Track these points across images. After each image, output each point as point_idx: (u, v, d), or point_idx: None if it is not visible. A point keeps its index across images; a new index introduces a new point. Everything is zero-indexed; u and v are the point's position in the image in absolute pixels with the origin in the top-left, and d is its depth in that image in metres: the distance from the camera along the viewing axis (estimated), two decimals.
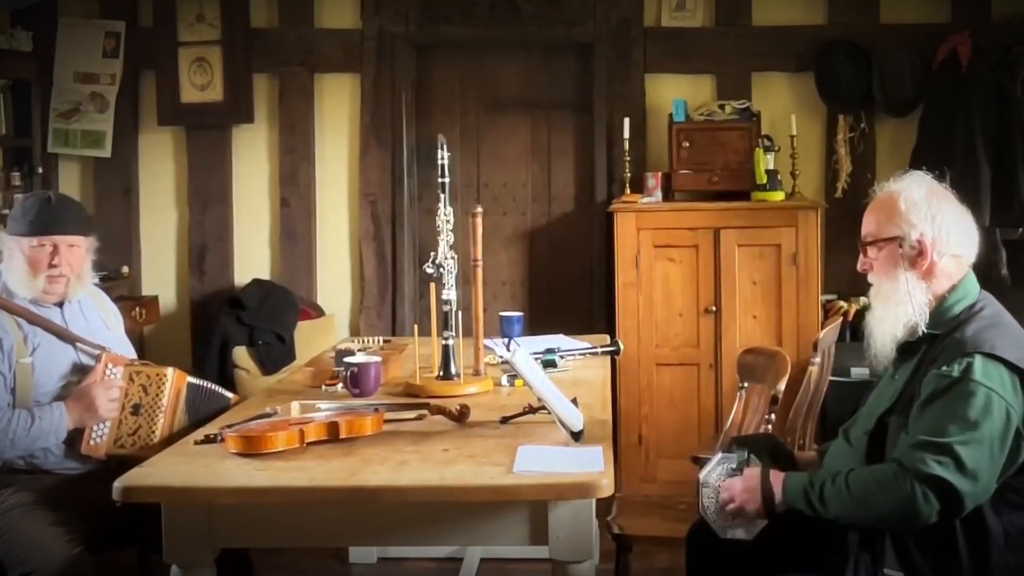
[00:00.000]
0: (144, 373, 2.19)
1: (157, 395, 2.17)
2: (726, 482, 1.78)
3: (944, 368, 1.62)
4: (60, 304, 2.23)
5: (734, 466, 1.79)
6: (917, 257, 1.71)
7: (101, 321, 2.32)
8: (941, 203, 1.73)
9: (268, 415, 2.05)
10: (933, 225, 1.70)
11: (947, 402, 1.60)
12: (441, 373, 2.31)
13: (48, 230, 2.16)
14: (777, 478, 1.73)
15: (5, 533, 2.00)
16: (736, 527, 1.78)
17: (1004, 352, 1.61)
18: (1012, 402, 1.60)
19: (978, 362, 1.60)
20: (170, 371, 2.21)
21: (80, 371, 2.17)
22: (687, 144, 3.57)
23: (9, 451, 2.07)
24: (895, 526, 1.63)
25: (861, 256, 1.78)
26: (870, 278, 1.78)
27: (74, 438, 2.13)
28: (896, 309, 1.71)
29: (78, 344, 2.19)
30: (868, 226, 1.77)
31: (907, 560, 1.64)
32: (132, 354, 2.36)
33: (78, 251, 2.21)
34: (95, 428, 2.13)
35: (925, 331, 1.70)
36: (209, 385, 2.29)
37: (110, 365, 2.17)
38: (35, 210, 2.18)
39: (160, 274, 3.99)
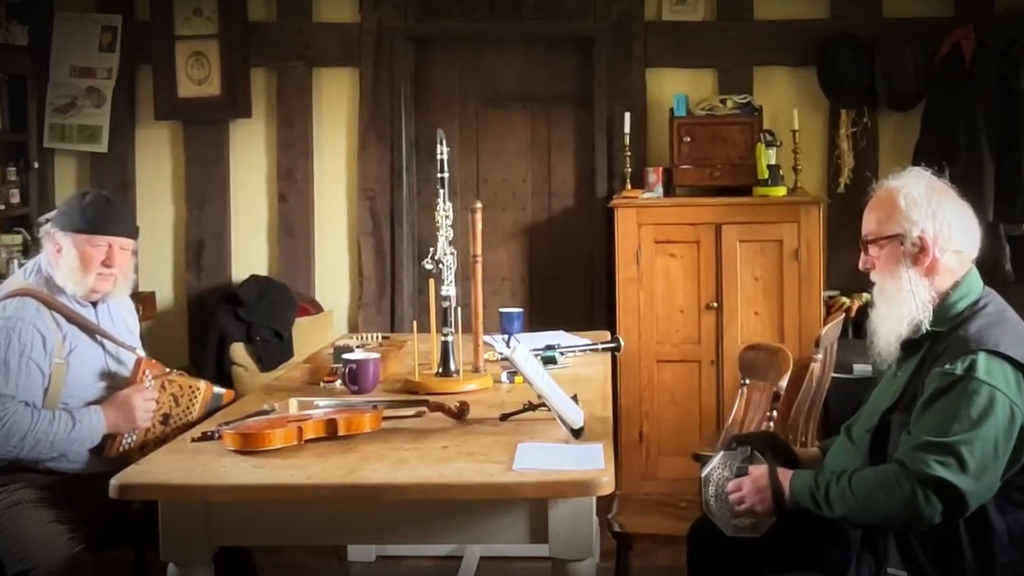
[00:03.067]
0: (176, 383, 2.22)
1: (188, 407, 2.20)
2: (734, 482, 1.77)
3: (947, 366, 1.61)
4: (95, 304, 2.23)
5: (740, 463, 1.78)
6: (919, 254, 1.69)
7: (125, 325, 2.32)
8: (941, 199, 1.71)
9: (266, 412, 2.04)
10: (934, 221, 1.69)
11: (950, 400, 1.59)
12: (440, 370, 2.30)
13: (107, 230, 2.16)
14: (785, 476, 1.73)
15: (6, 529, 2.00)
16: (743, 525, 1.77)
17: (1008, 349, 1.60)
18: (1016, 400, 1.59)
19: (982, 360, 1.59)
20: (203, 384, 2.24)
21: (107, 376, 2.18)
22: (688, 139, 3.55)
23: (47, 452, 2.07)
24: (900, 526, 1.62)
25: (862, 255, 1.77)
26: (872, 276, 1.77)
27: (102, 442, 2.13)
28: (900, 308, 1.69)
29: (107, 346, 2.19)
30: (868, 225, 1.76)
31: (910, 559, 1.63)
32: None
33: (127, 254, 2.22)
34: (127, 435, 2.14)
35: (929, 329, 1.68)
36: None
37: (147, 372, 2.18)
38: (95, 208, 2.17)
39: (157, 270, 3.96)
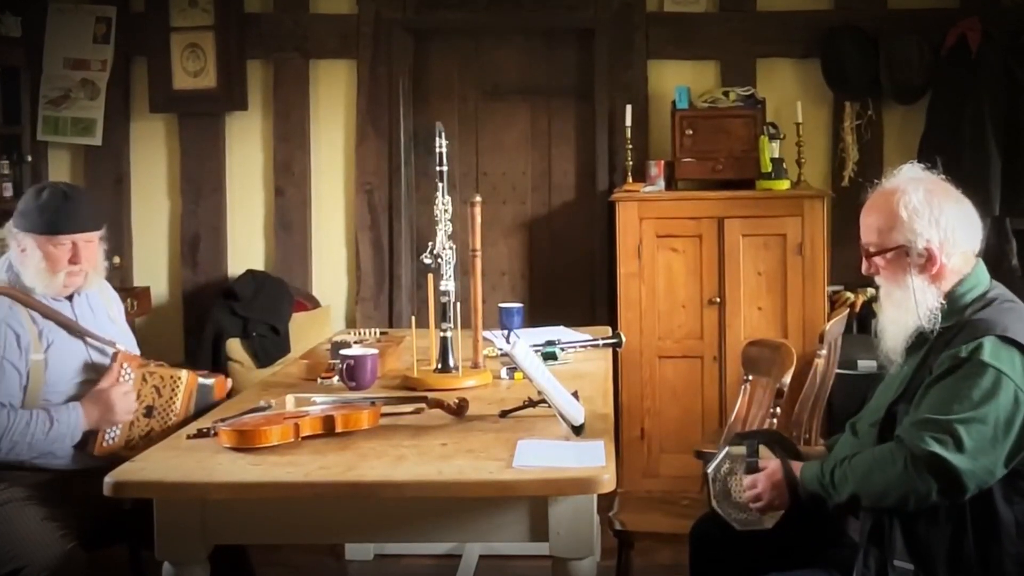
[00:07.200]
0: (158, 374, 2.17)
1: (171, 398, 2.16)
2: (749, 479, 1.75)
3: (954, 350, 1.60)
4: (70, 297, 2.19)
5: (748, 458, 1.76)
6: (926, 263, 1.68)
7: (106, 314, 2.28)
8: (942, 202, 1.69)
9: (262, 409, 2.03)
10: (939, 229, 1.67)
11: (954, 381, 1.58)
12: (439, 366, 2.28)
13: (67, 229, 2.10)
14: (797, 468, 1.71)
15: None
16: (752, 519, 1.75)
17: (1018, 335, 1.59)
18: (1023, 385, 1.57)
19: (989, 343, 1.58)
20: (184, 374, 2.19)
21: (91, 369, 2.14)
22: (690, 132, 3.52)
23: (26, 453, 2.04)
24: (901, 504, 1.60)
25: (864, 261, 1.75)
26: (878, 280, 1.75)
27: (85, 439, 2.09)
28: (907, 315, 1.68)
29: (88, 340, 2.15)
30: (869, 235, 1.73)
31: (917, 551, 1.61)
32: (134, 345, 2.33)
33: (93, 245, 2.17)
34: (108, 430, 2.10)
35: (938, 328, 1.66)
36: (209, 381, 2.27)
37: (125, 365, 2.14)
38: (52, 207, 2.11)
39: (152, 264, 3.95)
